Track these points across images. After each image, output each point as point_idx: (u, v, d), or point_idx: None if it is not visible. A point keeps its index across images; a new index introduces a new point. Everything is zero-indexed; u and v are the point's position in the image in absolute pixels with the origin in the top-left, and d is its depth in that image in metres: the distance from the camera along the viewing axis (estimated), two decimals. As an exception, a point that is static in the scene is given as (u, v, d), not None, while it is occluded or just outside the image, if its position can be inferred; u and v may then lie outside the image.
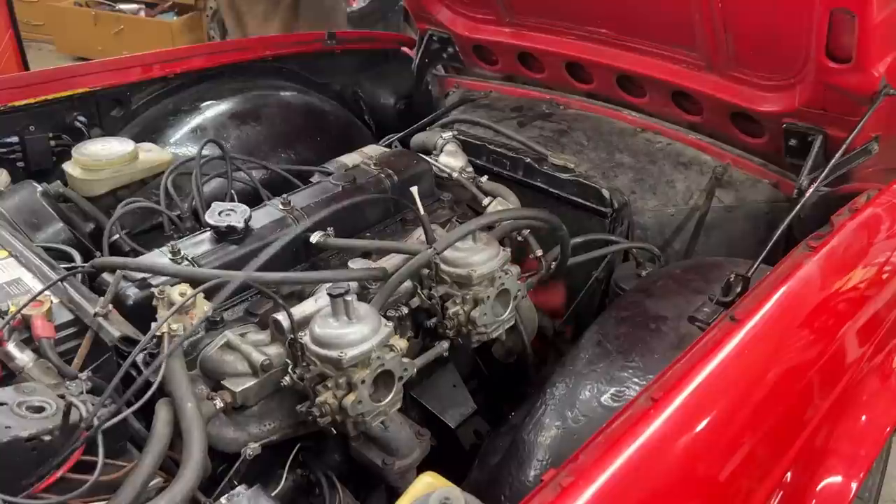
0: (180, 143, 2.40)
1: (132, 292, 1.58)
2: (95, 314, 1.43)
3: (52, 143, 2.36)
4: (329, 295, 1.45)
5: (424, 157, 2.29)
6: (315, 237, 1.77)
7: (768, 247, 1.73)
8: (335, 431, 1.49)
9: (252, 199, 2.11)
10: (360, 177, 2.05)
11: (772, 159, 2.28)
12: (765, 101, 2.11)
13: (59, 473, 1.14)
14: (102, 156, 2.12)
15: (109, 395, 1.24)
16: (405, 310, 1.74)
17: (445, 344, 1.75)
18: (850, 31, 1.77)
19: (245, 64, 2.80)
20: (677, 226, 2.32)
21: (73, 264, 1.66)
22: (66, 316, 1.47)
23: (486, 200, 2.20)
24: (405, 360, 1.51)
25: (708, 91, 2.24)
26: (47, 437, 1.14)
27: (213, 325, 1.59)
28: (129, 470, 1.19)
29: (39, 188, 2.02)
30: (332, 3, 4.52)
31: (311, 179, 2.16)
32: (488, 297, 1.73)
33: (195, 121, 2.48)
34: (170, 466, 1.28)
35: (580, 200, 2.27)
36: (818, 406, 1.49)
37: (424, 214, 1.82)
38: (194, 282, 1.49)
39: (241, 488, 1.27)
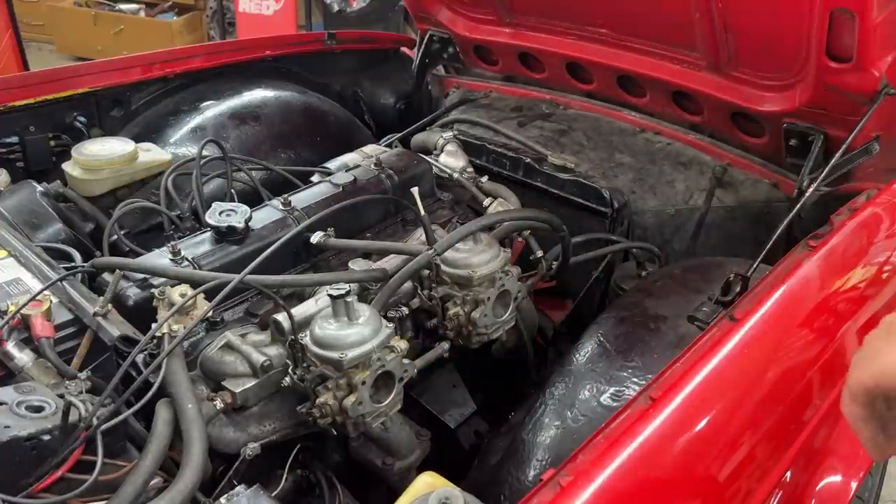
0: (180, 143, 2.40)
1: (133, 293, 1.58)
2: (95, 314, 1.43)
3: (52, 143, 2.36)
4: (329, 296, 1.44)
5: (425, 157, 2.29)
6: (315, 238, 1.77)
7: (768, 246, 1.73)
8: (335, 432, 1.49)
9: (252, 199, 2.11)
10: (360, 177, 2.05)
11: (772, 159, 2.28)
12: (765, 101, 2.12)
13: (58, 473, 1.14)
14: (102, 156, 2.12)
15: (109, 395, 1.24)
16: (405, 310, 1.73)
17: (446, 345, 1.75)
18: (850, 30, 1.77)
19: (245, 64, 2.80)
20: (677, 226, 2.31)
21: (72, 264, 1.66)
22: (66, 315, 1.47)
23: (486, 201, 2.20)
24: (405, 361, 1.51)
25: (708, 91, 2.24)
26: (46, 437, 1.14)
27: (213, 325, 1.59)
28: (129, 470, 1.19)
29: (39, 188, 2.02)
30: None
31: (312, 179, 2.16)
32: (489, 298, 1.73)
33: (195, 121, 2.47)
34: (170, 466, 1.28)
35: (580, 200, 2.27)
36: (818, 406, 1.49)
37: (425, 215, 1.82)
38: (194, 283, 1.49)
39: (240, 488, 1.27)
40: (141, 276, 1.60)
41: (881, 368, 0.82)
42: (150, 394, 1.27)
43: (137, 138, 2.30)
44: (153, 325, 1.40)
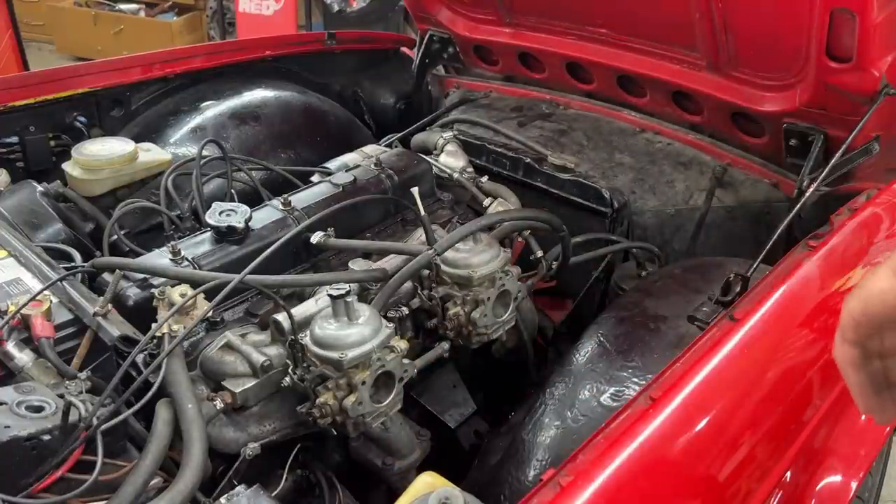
0: (180, 143, 2.40)
1: (133, 293, 1.58)
2: (95, 314, 1.43)
3: (52, 143, 2.36)
4: (329, 296, 1.44)
5: (425, 157, 2.29)
6: (315, 237, 1.77)
7: (768, 246, 1.73)
8: (335, 432, 1.49)
9: (252, 199, 2.11)
10: (360, 177, 2.05)
11: (772, 159, 2.28)
12: (765, 101, 2.12)
13: (58, 473, 1.14)
14: (102, 156, 2.12)
15: (109, 395, 1.24)
16: (405, 310, 1.73)
17: (446, 345, 1.75)
18: (850, 30, 1.77)
19: (245, 64, 2.80)
20: (677, 226, 2.31)
21: (72, 264, 1.66)
22: (66, 315, 1.47)
23: (486, 201, 2.20)
24: (405, 361, 1.51)
25: (708, 91, 2.24)
26: (46, 437, 1.14)
27: (213, 325, 1.59)
28: (129, 470, 1.19)
29: (39, 188, 2.02)
30: None
31: (312, 179, 2.16)
32: (489, 298, 1.73)
33: (195, 121, 2.47)
34: (170, 466, 1.28)
35: (580, 200, 2.27)
36: (818, 406, 1.49)
37: (425, 215, 1.82)
38: (194, 283, 1.49)
39: (240, 488, 1.27)
40: (141, 276, 1.60)
41: (867, 295, 0.76)
42: (150, 394, 1.27)
43: (137, 138, 2.30)
44: (153, 325, 1.40)
